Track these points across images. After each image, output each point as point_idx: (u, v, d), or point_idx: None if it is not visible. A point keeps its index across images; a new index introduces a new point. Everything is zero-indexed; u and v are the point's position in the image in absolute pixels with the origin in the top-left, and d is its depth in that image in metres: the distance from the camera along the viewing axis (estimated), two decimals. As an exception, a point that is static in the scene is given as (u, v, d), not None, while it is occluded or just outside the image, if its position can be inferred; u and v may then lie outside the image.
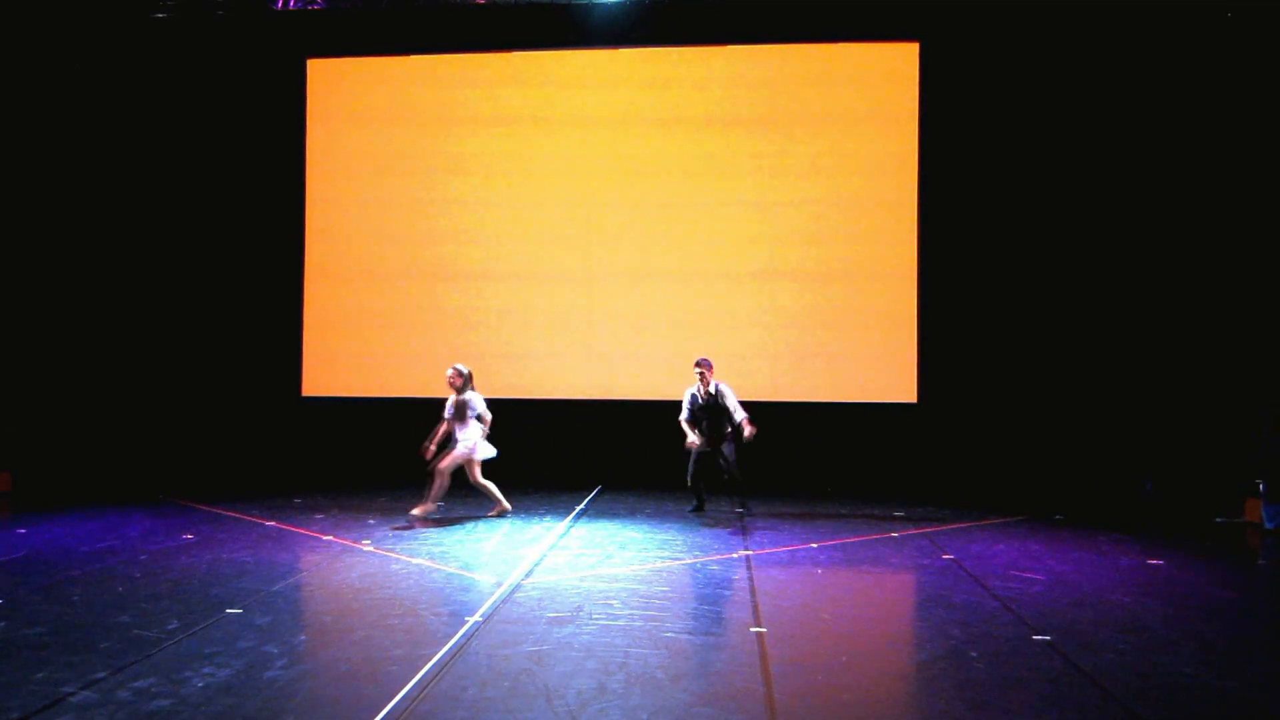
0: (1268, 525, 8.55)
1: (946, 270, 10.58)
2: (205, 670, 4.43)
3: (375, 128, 11.28)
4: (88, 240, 11.25)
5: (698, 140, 10.90)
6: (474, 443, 8.51)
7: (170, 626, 5.12)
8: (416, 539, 7.62)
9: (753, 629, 5.21)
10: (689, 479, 8.92)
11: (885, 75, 10.71)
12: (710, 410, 8.66)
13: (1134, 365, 10.21)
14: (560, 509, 9.04)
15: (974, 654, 4.81)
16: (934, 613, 5.70)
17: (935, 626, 5.38)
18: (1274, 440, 8.85)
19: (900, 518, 8.78)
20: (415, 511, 8.51)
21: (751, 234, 10.82)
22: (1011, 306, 10.47)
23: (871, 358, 10.64)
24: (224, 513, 8.74)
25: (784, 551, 7.31)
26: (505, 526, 8.27)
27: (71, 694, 4.13)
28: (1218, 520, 8.89)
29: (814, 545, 7.54)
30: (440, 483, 8.47)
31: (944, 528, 8.32)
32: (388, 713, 3.95)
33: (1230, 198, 9.83)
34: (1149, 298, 10.17)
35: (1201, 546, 7.75)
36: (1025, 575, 6.54)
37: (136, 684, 4.25)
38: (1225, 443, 9.57)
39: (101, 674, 4.37)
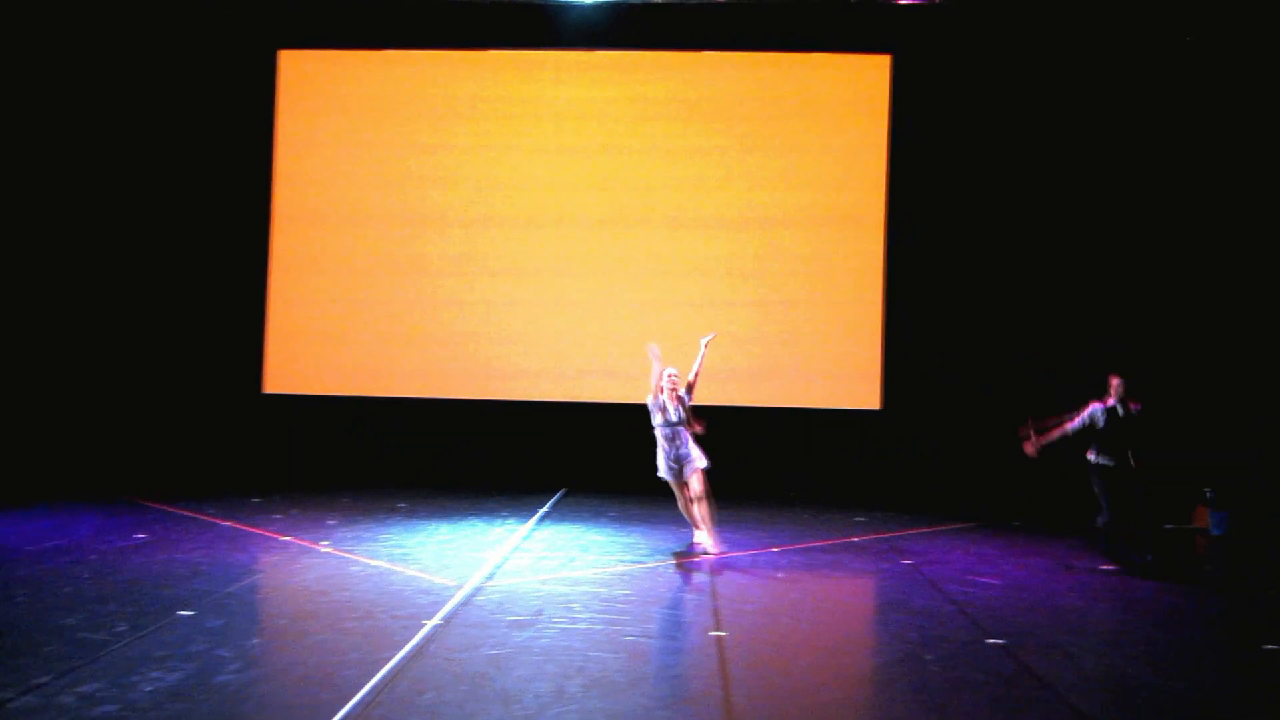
0: (1215, 532, 8.74)
1: (912, 280, 10.69)
2: (154, 674, 4.35)
3: (346, 120, 11.11)
4: (43, 231, 10.98)
5: (666, 152, 10.86)
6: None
7: (119, 629, 5.02)
8: (377, 541, 7.54)
9: (713, 633, 5.22)
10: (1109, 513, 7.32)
11: (856, 88, 10.79)
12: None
13: (1090, 376, 10.36)
14: (524, 511, 9.00)
15: (930, 657, 4.86)
16: (892, 617, 5.76)
17: (893, 630, 5.43)
18: (1223, 449, 9.07)
19: (861, 523, 8.85)
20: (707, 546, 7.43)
21: (718, 245, 10.83)
22: (974, 316, 10.59)
23: (836, 365, 10.71)
24: (179, 512, 8.58)
25: (746, 556, 7.34)
26: (468, 529, 8.22)
27: (11, 700, 4.02)
28: (1167, 527, 9.07)
29: (776, 550, 7.57)
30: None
31: (904, 533, 8.40)
32: (342, 717, 3.90)
33: (1191, 210, 10.04)
34: (1106, 310, 10.34)
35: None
36: (981, 580, 6.62)
37: (81, 689, 4.16)
38: (1176, 451, 9.76)
39: (44, 678, 4.27)
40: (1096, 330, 10.29)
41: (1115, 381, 7.40)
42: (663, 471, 7.48)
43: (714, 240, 10.86)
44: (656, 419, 7.42)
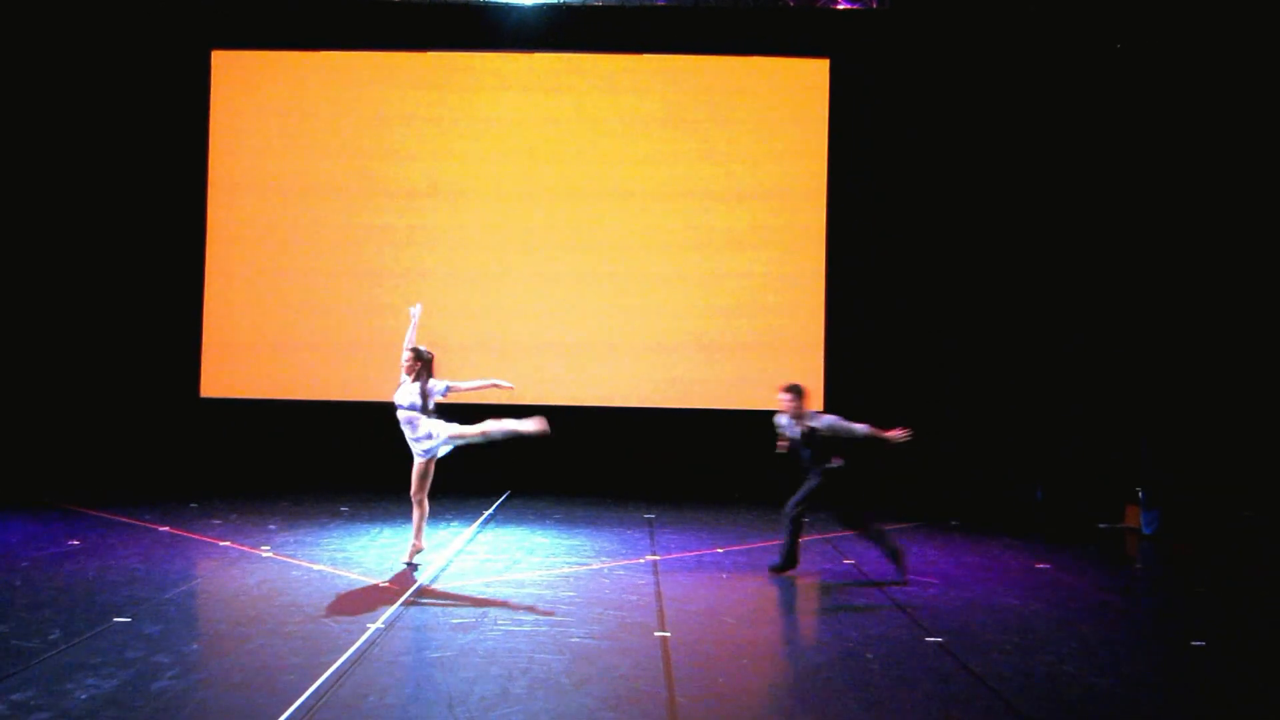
0: (1146, 530, 9.01)
1: (852, 284, 10.87)
2: (89, 682, 4.25)
3: (281, 120, 10.96)
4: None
5: (606, 155, 10.89)
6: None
7: (52, 636, 4.89)
8: (319, 545, 7.45)
9: (657, 633, 5.27)
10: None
11: (797, 95, 10.94)
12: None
13: (1026, 379, 10.66)
14: (468, 514, 8.95)
15: (870, 656, 4.96)
16: (833, 616, 5.87)
17: (834, 629, 5.53)
18: (1152, 451, 9.36)
19: (804, 524, 8.94)
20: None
21: (662, 245, 10.89)
22: (914, 319, 10.82)
23: (779, 366, 10.83)
24: (114, 518, 8.36)
25: (690, 556, 7.40)
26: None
27: (-59, 708, 3.92)
28: (1101, 526, 9.34)
29: (720, 550, 7.64)
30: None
31: (845, 533, 8.50)
32: (283, 722, 3.86)
33: (1126, 210, 10.35)
34: (1041, 316, 10.63)
35: (1085, 551, 8.13)
36: (921, 579, 6.76)
37: (13, 696, 4.05)
38: (1108, 453, 10.07)
39: (-26, 687, 4.16)
40: (1040, 326, 10.59)
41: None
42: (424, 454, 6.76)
43: (659, 241, 10.92)
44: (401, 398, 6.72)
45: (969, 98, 10.76)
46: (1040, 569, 7.29)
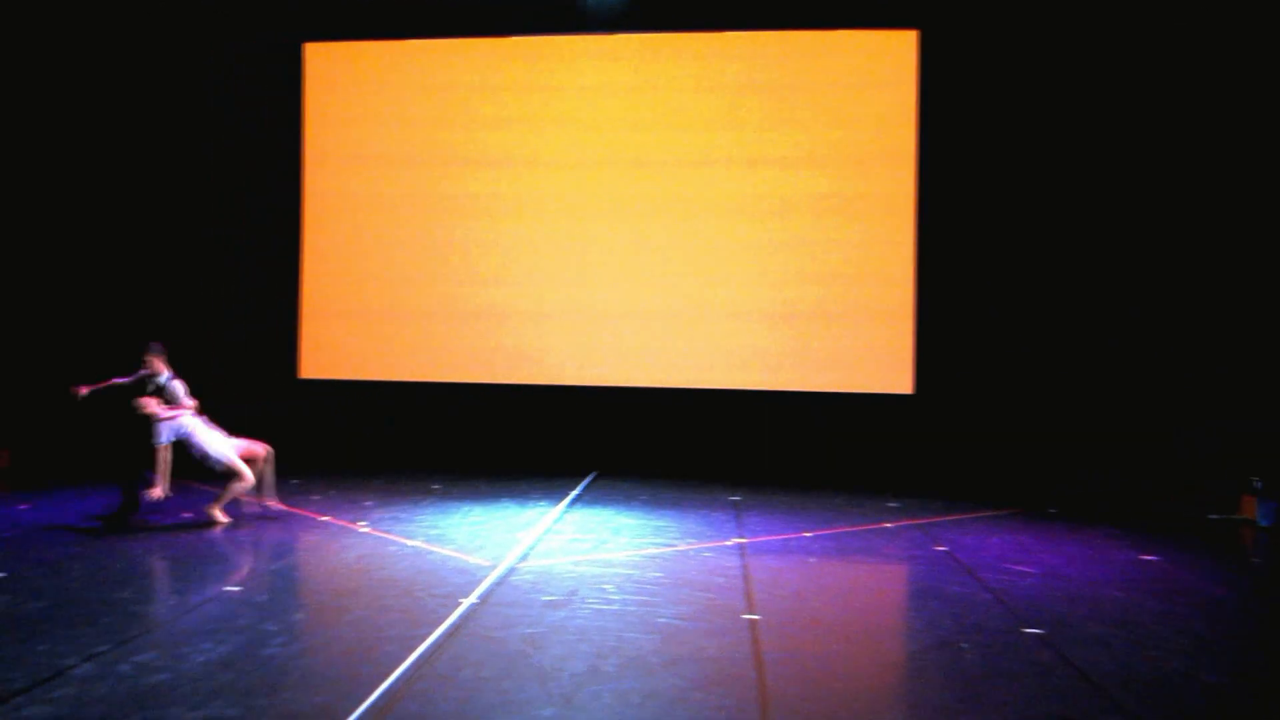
0: (1263, 522, 8.56)
1: (944, 262, 10.58)
2: (204, 646, 4.47)
3: (374, 111, 11.24)
4: (89, 223, 11.22)
5: (696, 131, 10.87)
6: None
7: (170, 603, 5.16)
8: (413, 521, 7.66)
9: (745, 616, 5.25)
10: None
11: (884, 64, 10.69)
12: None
13: (1132, 360, 10.24)
14: (555, 494, 9.08)
15: (965, 645, 4.85)
16: (926, 604, 5.74)
17: (927, 618, 5.42)
18: (1273, 436, 8.88)
19: (894, 509, 8.82)
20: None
21: (750, 229, 10.80)
22: (1007, 298, 10.48)
23: (868, 349, 10.66)
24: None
25: (778, 540, 7.35)
26: (501, 511, 8.30)
27: (73, 666, 4.17)
28: (1212, 517, 8.93)
29: (808, 535, 7.57)
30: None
31: (938, 519, 8.35)
32: (384, 691, 3.99)
33: (1233, 188, 9.81)
34: (1146, 292, 10.18)
35: (1195, 543, 7.78)
36: (1018, 568, 6.58)
37: (137, 658, 4.29)
38: (1221, 439, 9.60)
39: (103, 648, 4.42)
40: (1134, 304, 10.17)
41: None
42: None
43: (736, 228, 10.82)
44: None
45: (1069, 63, 10.32)
46: (1146, 561, 7.01)
